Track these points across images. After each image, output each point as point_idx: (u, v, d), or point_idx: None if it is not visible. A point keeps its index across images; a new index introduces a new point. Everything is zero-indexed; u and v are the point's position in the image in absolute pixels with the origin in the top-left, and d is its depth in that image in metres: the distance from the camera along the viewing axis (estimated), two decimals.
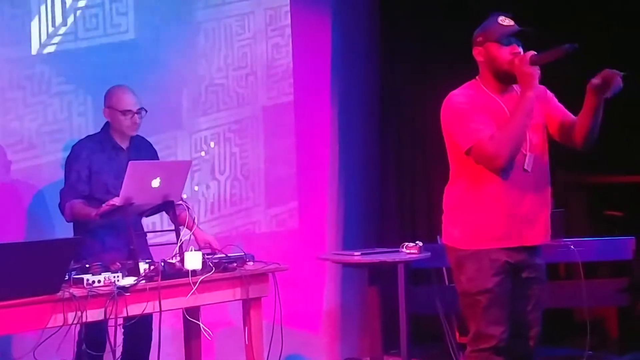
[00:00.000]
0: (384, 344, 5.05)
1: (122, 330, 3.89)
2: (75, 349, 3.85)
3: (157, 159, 4.34)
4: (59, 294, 3.30)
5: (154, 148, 4.35)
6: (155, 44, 5.06)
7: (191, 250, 3.76)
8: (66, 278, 3.40)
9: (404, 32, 5.92)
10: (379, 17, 6.03)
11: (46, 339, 3.34)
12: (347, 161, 5.95)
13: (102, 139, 4.16)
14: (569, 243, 4.77)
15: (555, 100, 3.37)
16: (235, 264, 3.91)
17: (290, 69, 5.70)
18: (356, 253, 4.91)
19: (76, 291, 3.35)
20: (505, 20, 3.25)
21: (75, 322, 3.32)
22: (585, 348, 4.75)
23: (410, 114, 5.98)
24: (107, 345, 3.64)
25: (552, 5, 5.76)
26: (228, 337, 4.62)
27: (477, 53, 3.28)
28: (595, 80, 3.12)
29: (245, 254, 4.02)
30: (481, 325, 3.22)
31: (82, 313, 3.31)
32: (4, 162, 4.51)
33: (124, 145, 4.18)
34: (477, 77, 3.32)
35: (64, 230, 4.21)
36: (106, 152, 4.13)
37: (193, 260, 3.70)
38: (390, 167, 6.05)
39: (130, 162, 3.75)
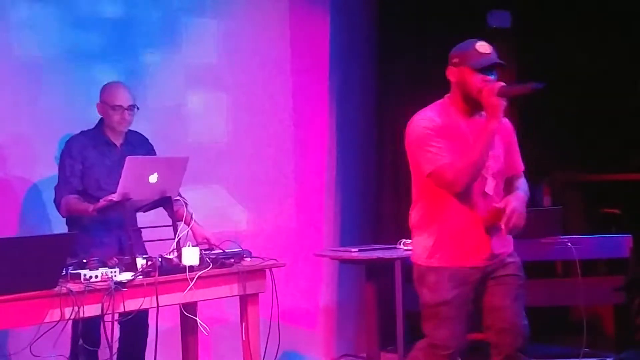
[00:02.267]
0: (380, 341, 5.06)
1: (118, 325, 3.88)
2: (71, 344, 3.86)
3: (154, 154, 4.33)
4: (56, 289, 3.29)
5: (150, 144, 4.34)
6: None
7: (188, 246, 3.76)
8: (63, 273, 3.39)
9: (402, 33, 5.92)
10: (377, 18, 6.03)
11: (43, 334, 3.34)
12: (345, 157, 5.95)
13: (95, 135, 4.16)
14: (565, 241, 4.78)
15: (516, 144, 3.46)
16: (232, 260, 3.91)
17: (288, 69, 5.71)
18: (353, 249, 4.92)
19: (73, 286, 3.34)
20: (483, 47, 3.30)
21: (72, 317, 3.32)
22: (582, 345, 4.75)
23: (407, 111, 5.95)
24: (103, 340, 3.63)
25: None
26: (225, 333, 4.62)
27: (451, 73, 3.35)
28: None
29: (242, 250, 4.02)
30: (437, 335, 3.33)
31: (79, 308, 3.31)
32: None
33: (117, 141, 4.18)
34: (447, 96, 3.39)
35: (60, 225, 4.21)
36: (98, 148, 4.13)
37: (190, 256, 3.70)
38: (387, 164, 6.05)
39: (127, 157, 3.75)
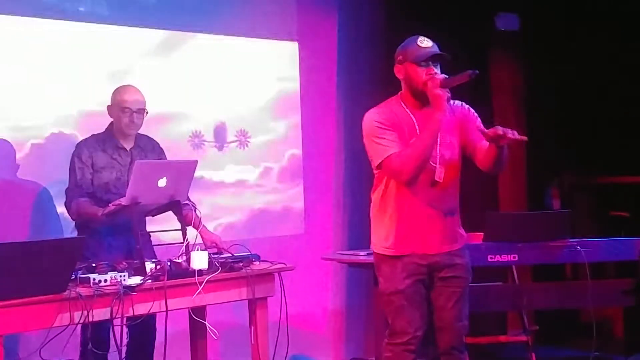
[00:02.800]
0: None
1: (127, 329, 3.89)
2: (81, 348, 3.86)
3: (165, 158, 4.33)
4: (66, 293, 3.30)
5: (161, 148, 4.34)
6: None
7: (197, 250, 3.76)
8: (72, 277, 3.40)
9: (409, 35, 5.90)
10: (384, 20, 6.03)
11: (52, 338, 3.34)
12: (353, 160, 5.94)
13: (105, 138, 4.16)
14: (575, 243, 4.76)
15: (478, 122, 3.52)
16: (241, 264, 3.91)
17: (295, 71, 5.71)
18: (362, 253, 4.91)
19: (82, 290, 3.35)
20: (423, 42, 3.44)
21: (81, 321, 3.32)
22: (592, 348, 4.73)
23: None
24: (112, 344, 3.63)
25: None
26: (234, 337, 4.62)
27: (397, 71, 3.52)
28: (487, 134, 3.31)
29: (251, 254, 4.02)
30: (395, 322, 3.51)
31: (88, 312, 3.32)
32: (11, 159, 4.51)
33: (127, 145, 4.17)
34: (399, 93, 3.54)
35: (71, 228, 4.22)
36: (108, 152, 4.12)
37: (199, 260, 3.71)
38: None
39: (136, 161, 3.75)
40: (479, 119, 3.55)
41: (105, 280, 3.44)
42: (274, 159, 5.62)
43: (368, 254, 4.84)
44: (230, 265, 3.85)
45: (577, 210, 5.70)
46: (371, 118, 3.48)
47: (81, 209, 4.01)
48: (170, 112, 5.07)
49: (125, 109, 4.10)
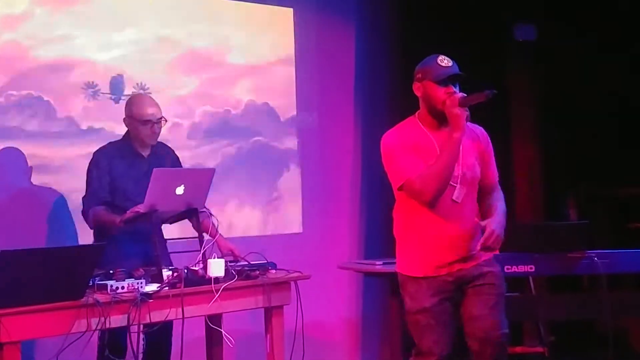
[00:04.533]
0: (404, 354, 5.03)
1: (143, 336, 3.90)
2: (98, 355, 3.88)
3: (180, 165, 4.34)
4: (83, 299, 3.31)
5: (176, 155, 4.35)
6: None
7: (214, 258, 3.77)
8: (90, 284, 3.42)
9: (428, 47, 5.91)
10: (402, 33, 6.05)
11: (69, 344, 3.35)
12: (370, 170, 5.95)
13: (123, 146, 4.16)
14: (592, 255, 4.74)
15: (492, 156, 3.55)
16: (257, 272, 3.92)
17: (314, 82, 5.73)
18: (378, 262, 4.91)
19: (100, 297, 3.36)
20: (444, 61, 3.42)
21: (98, 327, 3.34)
22: None
23: None
24: (129, 351, 3.64)
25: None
26: (250, 345, 4.62)
27: (416, 89, 3.49)
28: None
29: (267, 262, 4.03)
30: (422, 342, 3.42)
31: (105, 319, 3.33)
32: (25, 167, 4.54)
33: (145, 152, 4.18)
34: (416, 113, 3.51)
35: (87, 236, 4.24)
36: (126, 159, 4.13)
37: (216, 267, 3.71)
38: None
39: (154, 169, 3.76)
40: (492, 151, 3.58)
41: (123, 287, 3.46)
42: None
43: (384, 264, 4.86)
44: (246, 273, 3.86)
45: (594, 222, 5.67)
46: (389, 140, 3.46)
47: (99, 216, 4.03)
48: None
49: (146, 122, 4.10)
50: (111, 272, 3.59)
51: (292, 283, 4.01)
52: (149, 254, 3.98)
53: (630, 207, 6.10)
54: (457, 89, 3.39)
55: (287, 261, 4.23)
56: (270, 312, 3.97)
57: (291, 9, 5.68)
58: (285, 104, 5.65)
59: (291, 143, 5.65)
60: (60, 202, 4.61)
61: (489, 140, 3.56)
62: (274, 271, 4.03)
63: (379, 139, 6.04)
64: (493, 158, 3.56)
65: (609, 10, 5.82)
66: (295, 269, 4.07)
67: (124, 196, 4.08)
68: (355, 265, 5.24)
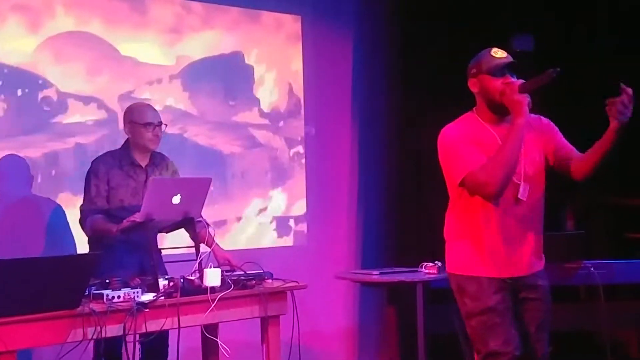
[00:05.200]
0: None
1: (139, 346, 3.89)
2: None
3: (178, 175, 4.34)
4: (79, 309, 3.31)
5: (174, 165, 4.36)
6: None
7: (210, 267, 3.77)
8: (86, 293, 3.41)
9: (425, 56, 5.94)
10: (400, 41, 6.06)
11: (65, 353, 3.35)
12: (367, 179, 5.96)
13: (121, 156, 4.17)
14: (589, 265, 4.75)
15: (559, 133, 3.41)
16: (254, 282, 3.91)
17: (311, 89, 5.75)
18: (375, 272, 4.90)
19: (96, 306, 3.36)
20: (497, 52, 3.33)
21: (94, 337, 3.33)
22: None
23: (430, 132, 5.97)
24: None
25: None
26: (246, 355, 4.61)
27: (472, 84, 3.37)
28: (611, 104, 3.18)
29: (264, 272, 4.02)
30: (489, 344, 3.24)
31: (101, 328, 3.32)
32: (26, 176, 4.55)
33: (143, 162, 4.19)
34: (473, 109, 3.39)
35: (84, 245, 4.24)
36: (124, 169, 4.13)
37: (212, 277, 3.71)
38: (409, 185, 6.05)
39: (151, 178, 3.76)
40: (556, 128, 3.42)
41: (119, 297, 3.45)
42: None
43: (381, 273, 4.85)
44: (242, 283, 3.85)
45: (591, 232, 5.68)
46: (450, 134, 3.32)
47: (96, 225, 4.03)
48: None
49: (148, 125, 4.11)
50: (107, 281, 3.58)
51: (289, 293, 4.01)
52: (143, 263, 3.99)
53: (628, 217, 6.10)
54: (514, 79, 3.28)
55: (283, 271, 4.22)
56: (266, 322, 3.96)
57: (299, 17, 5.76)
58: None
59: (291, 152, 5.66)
60: (58, 211, 4.62)
61: (552, 125, 3.41)
62: (270, 281, 4.03)
63: (375, 148, 6.10)
64: (563, 138, 3.39)
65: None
66: (292, 279, 4.07)
67: (121, 206, 4.08)
68: (352, 275, 5.24)
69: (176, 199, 3.76)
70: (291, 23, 5.73)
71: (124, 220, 3.84)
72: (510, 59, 3.32)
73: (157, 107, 4.37)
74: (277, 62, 5.66)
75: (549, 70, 3.15)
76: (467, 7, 5.84)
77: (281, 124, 5.67)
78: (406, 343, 4.98)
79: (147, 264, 3.95)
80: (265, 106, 5.60)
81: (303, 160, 5.73)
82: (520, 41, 6.09)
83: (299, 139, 5.75)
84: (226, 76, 5.43)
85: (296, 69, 5.74)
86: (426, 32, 5.90)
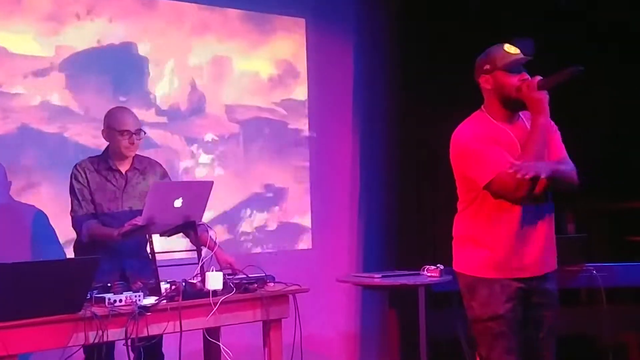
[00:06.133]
0: None
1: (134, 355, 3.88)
2: None
3: (168, 177, 4.33)
4: (81, 312, 3.31)
5: (162, 168, 4.32)
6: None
7: (212, 271, 3.76)
8: (88, 297, 3.41)
9: (425, 59, 5.94)
10: (400, 43, 6.06)
11: (67, 357, 3.35)
12: (368, 182, 5.96)
13: (100, 161, 4.15)
14: (591, 268, 4.74)
15: (558, 136, 3.34)
16: (255, 285, 3.91)
17: (311, 92, 5.75)
18: (376, 276, 4.90)
19: (98, 310, 3.36)
20: (511, 48, 3.27)
21: (96, 340, 3.33)
22: None
23: (430, 136, 5.98)
24: None
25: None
26: (247, 358, 4.61)
27: (485, 81, 3.28)
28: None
29: (265, 275, 4.02)
30: (492, 352, 3.22)
31: (103, 332, 3.32)
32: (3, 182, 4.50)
33: (123, 168, 4.15)
34: (482, 108, 3.32)
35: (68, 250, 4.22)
36: (102, 173, 4.12)
37: (214, 280, 3.71)
38: (411, 189, 6.05)
39: (152, 182, 3.76)
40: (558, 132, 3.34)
41: (121, 300, 3.45)
42: None
43: (383, 277, 4.85)
44: (244, 286, 3.85)
45: (593, 235, 5.67)
46: (466, 135, 3.24)
47: (93, 230, 4.01)
48: None
49: (124, 132, 4.08)
50: (109, 285, 3.58)
51: (291, 296, 4.00)
52: (125, 269, 3.99)
53: (629, 220, 6.09)
54: (528, 76, 3.22)
55: (284, 274, 4.22)
56: (268, 326, 3.96)
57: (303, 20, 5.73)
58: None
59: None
60: (41, 218, 4.55)
61: (554, 127, 3.33)
62: (272, 284, 4.03)
63: (377, 152, 6.09)
64: (557, 134, 3.32)
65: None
66: (294, 282, 4.06)
67: (101, 210, 4.08)
68: (354, 278, 5.24)
69: (178, 203, 3.75)
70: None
71: (125, 224, 3.84)
72: (524, 55, 3.26)
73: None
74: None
75: (570, 68, 3.11)
76: (467, 8, 5.84)
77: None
78: (408, 346, 4.97)
79: (129, 269, 3.97)
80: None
81: (303, 164, 5.72)
82: (521, 44, 6.09)
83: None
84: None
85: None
86: (427, 34, 5.91)
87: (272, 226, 5.59)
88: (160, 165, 4.32)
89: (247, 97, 5.53)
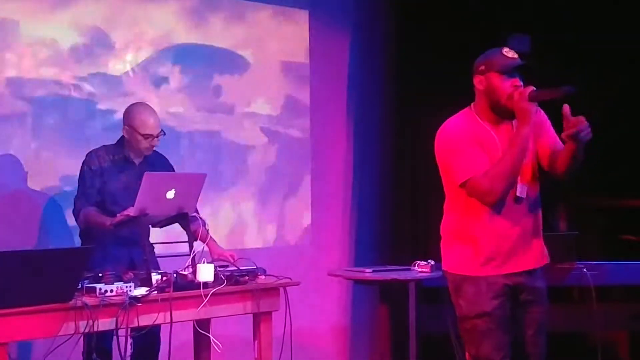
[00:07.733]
0: None
1: (131, 340, 3.89)
2: (83, 357, 3.87)
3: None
4: (72, 302, 3.31)
5: (170, 164, 4.35)
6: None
7: (204, 263, 3.77)
8: (79, 286, 3.41)
9: (421, 55, 5.94)
10: (397, 39, 6.06)
11: (57, 346, 3.35)
12: (361, 178, 5.96)
13: (115, 151, 4.17)
14: (581, 266, 4.75)
15: (550, 125, 3.35)
16: (246, 277, 3.92)
17: (306, 85, 5.74)
18: (367, 270, 4.90)
19: (88, 300, 3.36)
20: (509, 52, 3.26)
21: (86, 330, 3.33)
22: None
23: (425, 131, 5.97)
24: (115, 354, 3.64)
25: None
26: (238, 351, 4.61)
27: (478, 82, 3.28)
28: (566, 133, 3.12)
29: (257, 268, 4.03)
30: (480, 349, 3.23)
31: (93, 322, 3.32)
32: (20, 171, 4.53)
33: (137, 160, 4.19)
34: (471, 106, 3.33)
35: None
36: (116, 163, 4.14)
37: (205, 272, 3.71)
38: (404, 184, 6.05)
39: (145, 173, 3.76)
40: (548, 120, 3.34)
41: (112, 291, 3.45)
42: None
43: (374, 271, 4.86)
44: (235, 279, 3.86)
45: (584, 233, 5.68)
46: (451, 133, 3.26)
47: (89, 217, 4.03)
48: None
49: (147, 136, 4.10)
50: (100, 275, 3.58)
51: (281, 289, 4.01)
52: (133, 257, 3.99)
53: (621, 218, 6.11)
54: (522, 83, 3.22)
55: (276, 267, 4.23)
56: (259, 318, 3.97)
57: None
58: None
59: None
60: (53, 205, 4.60)
61: (545, 118, 3.34)
62: (263, 277, 4.03)
63: (371, 146, 6.09)
64: (551, 129, 3.32)
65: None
66: (285, 275, 4.07)
67: (113, 200, 4.09)
68: (345, 272, 5.24)
69: (170, 194, 3.76)
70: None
71: (118, 215, 3.85)
72: (521, 60, 3.26)
73: None
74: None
75: (565, 87, 3.11)
76: (464, 6, 5.84)
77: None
78: (398, 341, 4.99)
79: (137, 258, 3.96)
80: None
81: (297, 158, 5.72)
82: (517, 41, 6.10)
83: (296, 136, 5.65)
84: None
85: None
86: (423, 30, 5.90)
87: (266, 222, 5.58)
88: (167, 159, 4.34)
89: None
